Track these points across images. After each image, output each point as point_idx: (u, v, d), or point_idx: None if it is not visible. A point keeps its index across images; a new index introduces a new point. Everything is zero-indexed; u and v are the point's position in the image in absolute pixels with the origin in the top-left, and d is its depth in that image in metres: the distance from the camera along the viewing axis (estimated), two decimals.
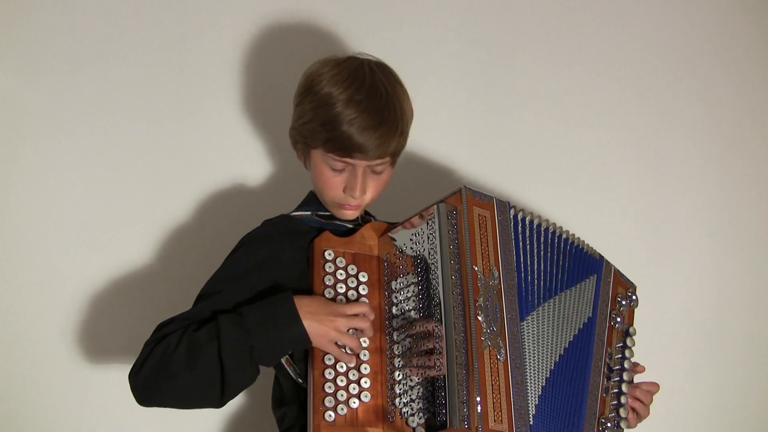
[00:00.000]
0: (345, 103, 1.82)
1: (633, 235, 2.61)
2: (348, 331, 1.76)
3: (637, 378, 2.05)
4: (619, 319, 2.02)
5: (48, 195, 2.32)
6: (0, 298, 2.28)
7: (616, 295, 2.04)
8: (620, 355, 2.00)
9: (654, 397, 2.03)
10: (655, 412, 2.37)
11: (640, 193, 2.66)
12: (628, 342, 2.02)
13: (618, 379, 1.97)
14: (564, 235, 1.96)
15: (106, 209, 2.34)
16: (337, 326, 1.74)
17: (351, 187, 1.87)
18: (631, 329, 2.04)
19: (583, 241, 2.01)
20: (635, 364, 2.04)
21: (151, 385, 1.72)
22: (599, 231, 2.44)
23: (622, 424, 1.95)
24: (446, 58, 2.59)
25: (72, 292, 2.30)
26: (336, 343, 1.76)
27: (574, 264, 1.96)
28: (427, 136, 2.51)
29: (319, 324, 1.73)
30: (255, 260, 1.85)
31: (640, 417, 2.02)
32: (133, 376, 1.74)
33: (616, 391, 1.96)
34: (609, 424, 1.91)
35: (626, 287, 2.09)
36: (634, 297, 2.08)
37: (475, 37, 2.62)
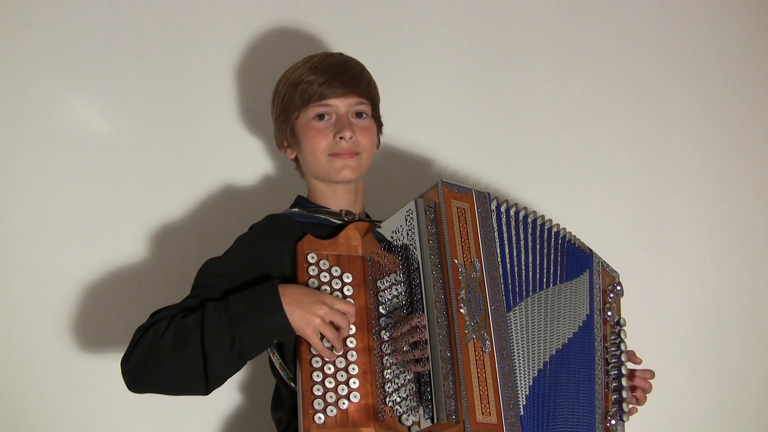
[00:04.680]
0: (307, 65, 2.02)
1: (633, 235, 2.61)
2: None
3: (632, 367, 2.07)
4: (610, 313, 2.03)
5: (46, 195, 2.34)
6: None
7: (606, 287, 2.05)
8: (615, 348, 2.00)
9: (652, 383, 2.06)
10: (655, 412, 2.37)
11: (640, 193, 2.65)
12: (622, 335, 2.03)
13: (616, 372, 1.97)
14: (555, 228, 1.97)
15: (105, 209, 2.36)
16: (322, 315, 1.74)
17: (339, 127, 1.97)
18: (621, 320, 2.05)
19: (573, 235, 2.01)
20: (632, 354, 2.05)
21: (141, 372, 1.75)
22: (599, 231, 2.45)
23: (625, 418, 1.96)
24: (446, 58, 2.61)
25: (70, 292, 2.31)
26: (321, 336, 1.76)
27: (568, 258, 1.97)
28: (427, 136, 2.53)
29: (304, 312, 1.73)
30: (246, 260, 1.88)
31: (639, 403, 2.04)
32: (124, 363, 1.77)
33: (615, 384, 1.96)
34: (613, 421, 1.92)
35: (612, 278, 2.10)
36: (619, 287, 2.08)
37: (475, 37, 2.63)
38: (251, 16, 2.51)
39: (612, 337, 2.01)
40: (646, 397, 2.05)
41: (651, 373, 2.06)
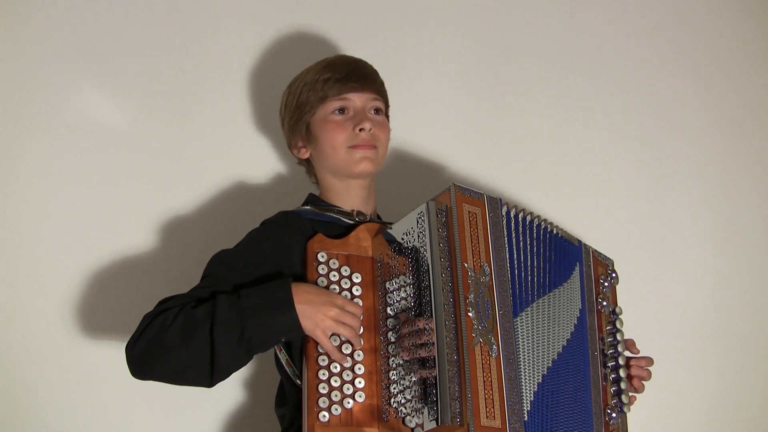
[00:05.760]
0: (322, 65, 2.06)
1: (633, 235, 2.61)
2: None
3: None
4: (605, 303, 2.02)
5: (48, 194, 2.33)
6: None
7: (598, 277, 2.04)
8: (612, 339, 2.00)
9: (650, 370, 2.06)
10: (655, 412, 2.38)
11: (641, 193, 2.66)
12: (618, 324, 2.02)
13: (614, 363, 1.97)
14: (549, 227, 1.96)
15: (107, 208, 2.35)
16: (332, 316, 1.75)
17: (359, 119, 1.99)
18: (617, 309, 2.04)
19: (561, 228, 2.00)
20: (631, 343, 2.05)
21: (146, 359, 1.75)
22: (600, 231, 2.45)
23: (626, 409, 1.96)
24: (446, 58, 2.61)
25: (72, 290, 2.31)
26: (330, 337, 1.76)
27: (559, 255, 1.96)
28: (427, 137, 2.53)
29: (314, 311, 1.74)
30: (256, 255, 1.88)
31: (637, 392, 2.04)
32: (129, 349, 1.77)
33: (614, 376, 1.96)
34: (614, 414, 1.92)
35: (605, 266, 2.09)
36: (614, 275, 2.08)
37: (475, 37, 2.63)
38: (253, 14, 2.51)
39: (608, 328, 2.01)
40: (643, 385, 2.04)
41: (647, 361, 2.05)
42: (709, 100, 2.75)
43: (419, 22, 2.61)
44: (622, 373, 1.96)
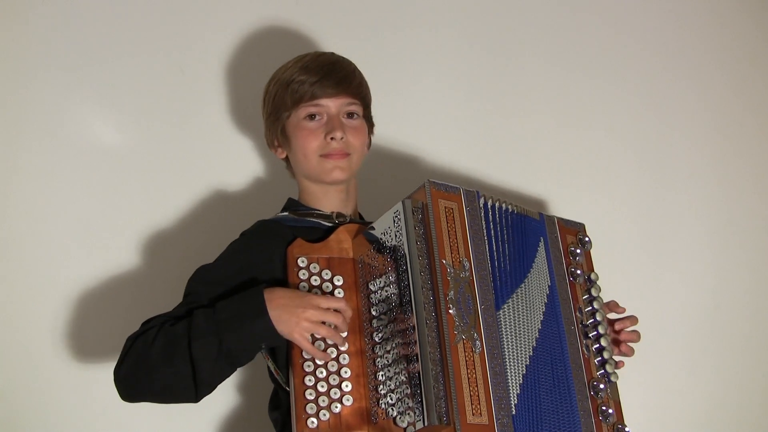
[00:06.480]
0: (298, 65, 2.01)
1: (633, 235, 2.61)
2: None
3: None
4: (579, 272, 1.96)
5: (46, 196, 2.34)
6: None
7: (567, 247, 1.99)
8: (590, 308, 1.95)
9: (638, 330, 2.03)
10: (655, 412, 2.37)
11: (641, 193, 2.65)
12: (593, 292, 1.96)
13: (595, 333, 1.92)
14: (511, 208, 1.91)
15: (105, 211, 2.36)
16: (308, 317, 1.72)
17: (330, 127, 1.96)
18: (592, 275, 1.98)
19: (522, 207, 1.95)
20: (614, 305, 2.01)
21: (132, 380, 1.75)
22: (599, 231, 2.43)
23: (613, 378, 1.90)
24: (446, 58, 2.61)
25: (69, 294, 2.31)
26: (312, 340, 1.75)
27: (524, 236, 1.92)
28: (427, 137, 2.53)
29: (289, 315, 1.72)
30: (236, 266, 1.87)
31: (627, 356, 2.02)
32: (115, 373, 1.77)
33: (597, 346, 1.92)
34: (602, 386, 1.87)
35: (575, 232, 2.04)
36: (586, 239, 2.02)
37: (475, 37, 2.63)
38: (252, 14, 2.51)
39: (584, 297, 1.95)
40: (633, 349, 2.01)
41: (631, 320, 2.02)
42: (709, 101, 2.75)
43: (419, 22, 2.62)
44: (604, 342, 1.91)
